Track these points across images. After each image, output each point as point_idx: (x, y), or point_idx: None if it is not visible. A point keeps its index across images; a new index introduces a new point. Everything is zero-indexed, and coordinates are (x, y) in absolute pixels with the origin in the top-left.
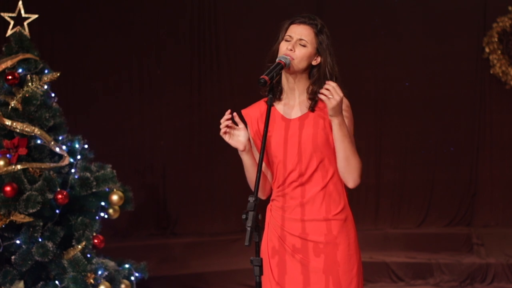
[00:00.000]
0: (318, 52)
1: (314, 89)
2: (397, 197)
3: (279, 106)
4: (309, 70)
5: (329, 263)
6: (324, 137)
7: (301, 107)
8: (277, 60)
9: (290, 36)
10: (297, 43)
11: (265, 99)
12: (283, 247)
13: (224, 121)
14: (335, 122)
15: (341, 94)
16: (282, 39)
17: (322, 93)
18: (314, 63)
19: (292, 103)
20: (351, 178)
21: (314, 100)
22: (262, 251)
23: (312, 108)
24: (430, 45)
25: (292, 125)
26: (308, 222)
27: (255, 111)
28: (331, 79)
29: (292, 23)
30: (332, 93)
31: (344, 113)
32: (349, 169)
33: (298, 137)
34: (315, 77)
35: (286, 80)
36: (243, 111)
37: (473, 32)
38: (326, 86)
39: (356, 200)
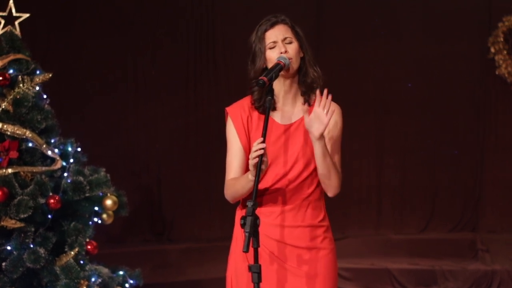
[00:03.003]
0: (300, 44)
1: (307, 81)
2: (399, 198)
3: (273, 114)
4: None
5: (315, 269)
6: None
7: (302, 108)
8: (276, 61)
9: (273, 42)
10: (284, 43)
11: (248, 97)
12: (265, 252)
13: (259, 151)
14: (319, 145)
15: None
16: (265, 49)
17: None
18: (301, 55)
19: (291, 108)
20: (331, 189)
21: (307, 94)
22: (243, 256)
23: (308, 102)
24: (431, 45)
25: (293, 130)
26: (292, 228)
27: (240, 109)
28: (315, 65)
29: (265, 31)
30: (326, 106)
31: (337, 120)
32: (330, 183)
33: (296, 143)
34: (304, 69)
35: (281, 85)
36: (228, 109)
37: (477, 32)
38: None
39: (356, 204)
